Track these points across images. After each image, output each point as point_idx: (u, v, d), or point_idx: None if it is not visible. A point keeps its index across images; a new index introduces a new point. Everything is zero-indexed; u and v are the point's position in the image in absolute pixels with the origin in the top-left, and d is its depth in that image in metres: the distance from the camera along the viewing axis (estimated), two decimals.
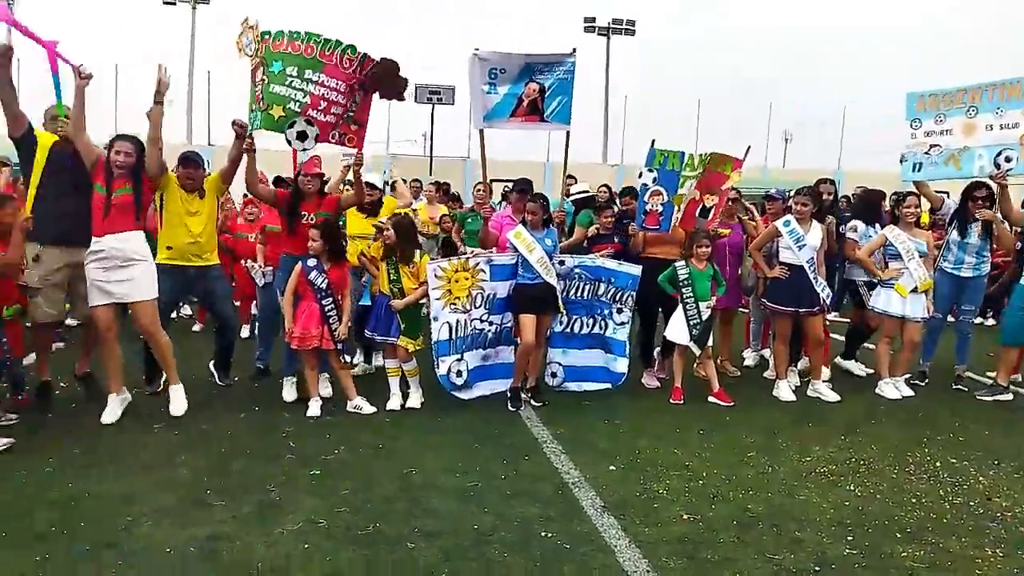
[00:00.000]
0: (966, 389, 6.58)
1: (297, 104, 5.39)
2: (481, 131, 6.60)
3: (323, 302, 5.43)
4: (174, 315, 7.75)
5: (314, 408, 5.46)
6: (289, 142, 5.50)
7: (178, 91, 26.89)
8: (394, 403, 5.65)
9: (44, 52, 5.00)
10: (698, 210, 6.44)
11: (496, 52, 6.30)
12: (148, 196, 5.27)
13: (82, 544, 3.37)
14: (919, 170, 6.53)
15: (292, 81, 5.36)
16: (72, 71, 4.95)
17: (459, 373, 5.77)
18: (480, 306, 5.80)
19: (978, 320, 10.91)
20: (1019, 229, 7.31)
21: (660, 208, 6.25)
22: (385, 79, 5.62)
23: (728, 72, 54.63)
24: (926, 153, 6.46)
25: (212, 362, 6.23)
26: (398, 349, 5.69)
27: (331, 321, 5.46)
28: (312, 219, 5.67)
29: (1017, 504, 4.09)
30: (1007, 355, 6.34)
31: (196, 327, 8.54)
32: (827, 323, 6.84)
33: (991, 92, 6.15)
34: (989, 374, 6.72)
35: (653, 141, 6.26)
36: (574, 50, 6.40)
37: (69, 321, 6.11)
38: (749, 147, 6.57)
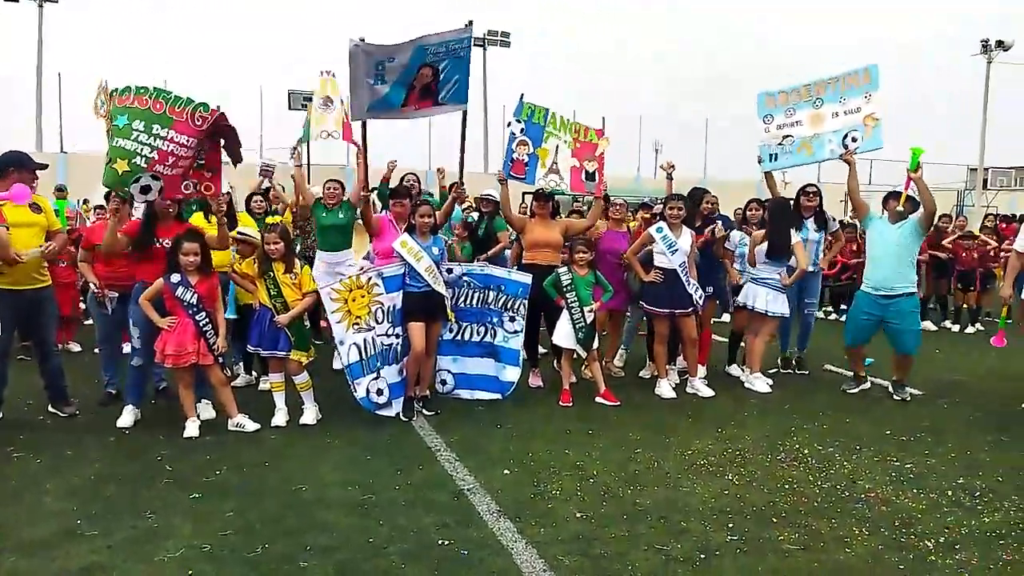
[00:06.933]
0: (807, 372, 7.32)
1: (143, 159, 5.09)
2: (364, 123, 6.17)
3: (196, 317, 5.16)
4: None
5: (191, 428, 5.18)
6: (132, 196, 5.20)
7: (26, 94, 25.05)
8: (280, 419, 5.45)
9: None
10: (583, 175, 6.67)
11: (383, 45, 5.91)
12: None
13: None
14: (775, 160, 7.04)
15: (138, 135, 5.07)
16: None
17: (380, 391, 5.61)
18: (383, 320, 5.67)
19: (833, 317, 11.83)
20: (861, 235, 7.84)
21: (526, 159, 6.47)
22: (230, 133, 5.46)
23: (601, 83, 56.69)
24: (779, 144, 6.98)
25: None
26: (288, 363, 5.51)
27: (208, 336, 5.21)
28: (167, 243, 5.33)
29: (878, 486, 4.44)
30: (849, 353, 6.88)
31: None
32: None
33: (833, 84, 6.71)
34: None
35: (522, 95, 6.49)
36: (470, 23, 6.06)
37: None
38: (604, 118, 6.87)
